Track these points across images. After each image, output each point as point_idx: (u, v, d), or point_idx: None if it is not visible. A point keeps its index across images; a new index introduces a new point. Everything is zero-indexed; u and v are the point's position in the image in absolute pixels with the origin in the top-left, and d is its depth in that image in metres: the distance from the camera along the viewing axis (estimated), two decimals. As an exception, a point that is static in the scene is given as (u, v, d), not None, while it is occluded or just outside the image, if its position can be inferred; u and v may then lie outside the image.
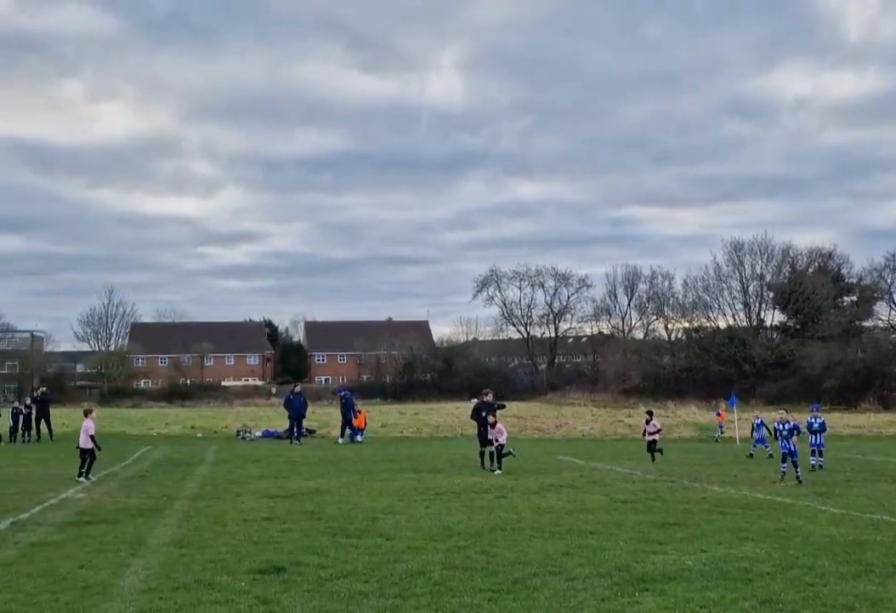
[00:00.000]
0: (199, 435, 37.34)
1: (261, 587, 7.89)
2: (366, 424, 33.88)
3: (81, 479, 17.31)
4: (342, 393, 34.73)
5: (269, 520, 11.98)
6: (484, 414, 19.73)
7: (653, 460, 22.09)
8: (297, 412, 31.34)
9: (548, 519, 12.09)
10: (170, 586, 7.88)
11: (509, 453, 19.44)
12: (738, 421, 32.22)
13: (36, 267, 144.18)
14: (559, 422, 42.97)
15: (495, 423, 19.47)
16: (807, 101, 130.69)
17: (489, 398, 20.19)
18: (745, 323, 73.76)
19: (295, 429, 31.34)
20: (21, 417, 31.61)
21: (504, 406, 20.92)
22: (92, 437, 17.73)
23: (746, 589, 7.75)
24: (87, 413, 18.66)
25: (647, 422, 23.28)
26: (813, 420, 20.57)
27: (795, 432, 18.09)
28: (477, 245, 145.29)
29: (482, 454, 19.52)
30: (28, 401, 32.75)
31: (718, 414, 34.73)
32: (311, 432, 34.62)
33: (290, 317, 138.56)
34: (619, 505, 13.56)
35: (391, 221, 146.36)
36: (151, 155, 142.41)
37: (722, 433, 33.58)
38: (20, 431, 31.52)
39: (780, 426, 18.50)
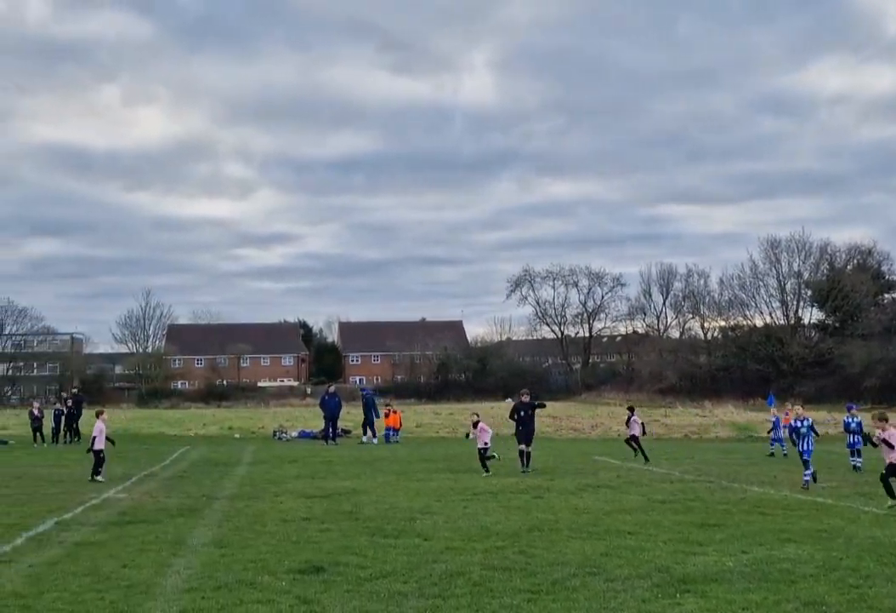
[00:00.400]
0: (237, 436, 37.68)
1: (301, 586, 7.94)
2: (401, 424, 33.97)
3: (99, 478, 17.50)
4: (364, 392, 34.95)
5: (307, 520, 12.05)
6: (522, 414, 19.66)
7: (636, 453, 21.98)
8: (331, 413, 31.53)
9: (585, 520, 12.04)
10: (212, 585, 7.95)
11: (493, 456, 19.07)
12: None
13: (75, 270, 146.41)
14: (594, 422, 42.79)
15: (478, 422, 19.28)
16: (844, 96, 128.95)
17: (526, 398, 20.11)
18: (782, 321, 72.95)
19: (330, 429, 31.51)
20: (63, 418, 32.14)
21: (544, 405, 20.88)
22: (96, 438, 17.93)
23: (789, 591, 7.66)
24: (98, 414, 18.95)
25: (629, 418, 22.98)
26: (850, 420, 20.27)
27: (813, 430, 16.98)
28: (510, 245, 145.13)
29: (521, 454, 19.47)
30: (69, 402, 33.24)
31: (786, 414, 34.15)
32: (345, 432, 34.79)
33: (324, 318, 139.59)
34: (657, 506, 13.47)
35: (424, 222, 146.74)
36: (186, 158, 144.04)
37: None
38: (62, 431, 32.03)
39: (798, 423, 17.04)
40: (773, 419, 25.04)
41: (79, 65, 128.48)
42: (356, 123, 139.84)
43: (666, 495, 14.90)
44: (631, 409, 23.79)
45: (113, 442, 18.44)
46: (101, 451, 17.94)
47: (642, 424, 23.13)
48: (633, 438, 22.64)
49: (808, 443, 16.64)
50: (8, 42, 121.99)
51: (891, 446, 13.18)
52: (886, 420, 13.87)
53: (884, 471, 13.32)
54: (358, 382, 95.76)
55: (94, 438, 18.10)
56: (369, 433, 31.69)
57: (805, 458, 16.56)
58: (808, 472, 16.30)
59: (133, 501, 14.36)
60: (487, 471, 18.58)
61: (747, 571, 8.49)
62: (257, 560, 9.17)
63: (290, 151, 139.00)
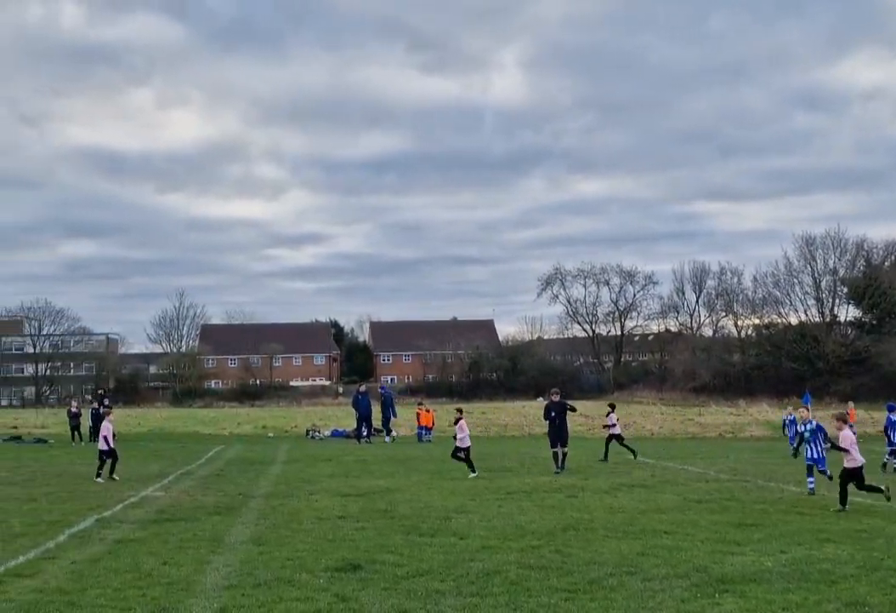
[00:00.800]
0: (270, 435, 37.97)
1: (339, 584, 8.00)
2: (434, 423, 34.04)
3: (99, 480, 17.43)
4: (383, 391, 35.08)
5: (342, 518, 12.12)
6: (553, 414, 19.59)
7: (605, 456, 21.74)
8: (364, 412, 31.68)
9: (621, 519, 12.00)
10: (251, 583, 8.03)
11: (460, 457, 18.50)
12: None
13: (110, 272, 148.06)
14: (627, 421, 42.51)
15: (458, 420, 18.78)
16: (878, 90, 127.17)
17: (556, 397, 20.03)
18: (817, 319, 72.07)
19: (364, 428, 31.65)
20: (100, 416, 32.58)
21: (575, 409, 20.40)
22: (105, 438, 18.00)
23: (830, 592, 7.59)
24: (105, 415, 19.10)
25: (607, 415, 22.73)
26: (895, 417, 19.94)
27: (821, 434, 15.29)
28: (541, 243, 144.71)
29: (555, 456, 19.34)
30: (107, 401, 33.70)
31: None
32: (378, 431, 34.89)
33: (355, 317, 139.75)
34: (693, 505, 13.40)
35: (455, 221, 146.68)
36: (219, 160, 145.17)
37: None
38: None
39: (802, 427, 15.52)
40: (789, 417, 24.68)
41: (112, 68, 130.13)
42: (387, 122, 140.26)
43: (701, 494, 14.81)
44: (612, 406, 23.35)
45: (111, 448, 18.24)
46: (105, 452, 17.87)
47: (613, 424, 22.50)
48: (617, 437, 22.34)
49: (816, 450, 15.26)
50: (44, 47, 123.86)
51: (844, 450, 12.94)
52: (845, 421, 13.54)
53: (842, 475, 13.02)
54: (389, 381, 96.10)
55: (103, 437, 18.10)
56: (393, 432, 31.78)
57: (821, 468, 15.41)
58: (812, 478, 15.06)
59: (171, 499, 14.53)
60: (473, 470, 18.10)
61: (786, 571, 8.42)
62: (294, 557, 9.24)
63: (321, 151, 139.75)
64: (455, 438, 18.77)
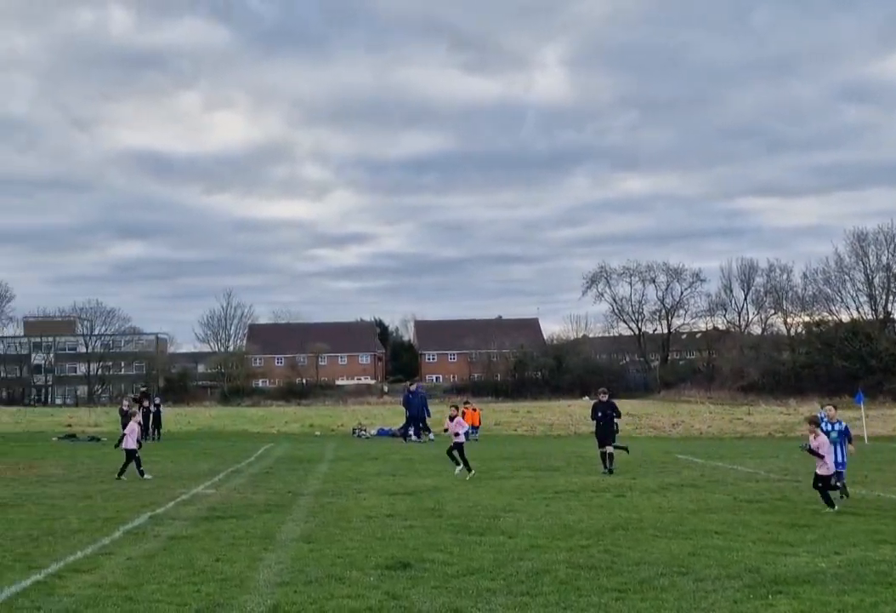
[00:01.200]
0: (317, 433, 38.28)
1: (389, 582, 8.05)
2: (480, 422, 34.02)
3: (123, 477, 17.56)
4: (417, 390, 35.05)
5: (391, 517, 12.19)
6: (601, 414, 19.45)
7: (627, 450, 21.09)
8: (415, 411, 31.76)
9: (670, 519, 11.90)
10: (302, 580, 8.12)
11: (456, 460, 17.95)
12: (867, 419, 30.93)
13: (159, 272, 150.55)
14: (675, 420, 42.19)
15: (454, 416, 18.40)
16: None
17: (604, 396, 19.87)
18: (870, 316, 70.77)
19: (411, 427, 31.74)
20: (150, 416, 33.11)
21: (620, 415, 19.91)
22: (129, 437, 18.11)
23: (887, 593, 7.46)
24: (132, 415, 19.33)
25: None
26: None
27: (845, 437, 14.59)
28: (585, 242, 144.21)
29: (602, 455, 19.18)
30: (158, 400, 34.26)
31: None
32: (427, 430, 34.96)
33: (399, 316, 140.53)
34: (744, 505, 13.25)
35: (498, 220, 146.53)
36: (264, 161, 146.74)
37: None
38: (150, 429, 33.00)
39: (829, 427, 14.50)
40: (822, 414, 24.06)
41: (160, 72, 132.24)
42: (429, 122, 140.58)
43: (752, 494, 14.63)
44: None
45: (125, 446, 18.33)
46: (131, 450, 17.99)
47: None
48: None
49: (840, 453, 14.41)
50: (94, 53, 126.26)
51: (819, 456, 12.69)
52: (817, 424, 13.19)
53: (815, 481, 12.84)
54: (434, 380, 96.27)
55: (127, 436, 18.21)
56: (430, 432, 31.79)
57: (839, 469, 14.16)
58: (840, 483, 14.18)
59: (221, 496, 14.73)
60: (469, 469, 17.71)
61: (841, 572, 8.29)
62: (344, 555, 9.32)
63: (364, 151, 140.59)
64: (450, 433, 18.27)
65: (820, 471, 12.83)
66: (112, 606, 7.22)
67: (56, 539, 10.40)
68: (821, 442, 12.88)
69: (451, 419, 18.59)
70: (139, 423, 18.84)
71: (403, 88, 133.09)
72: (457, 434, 18.26)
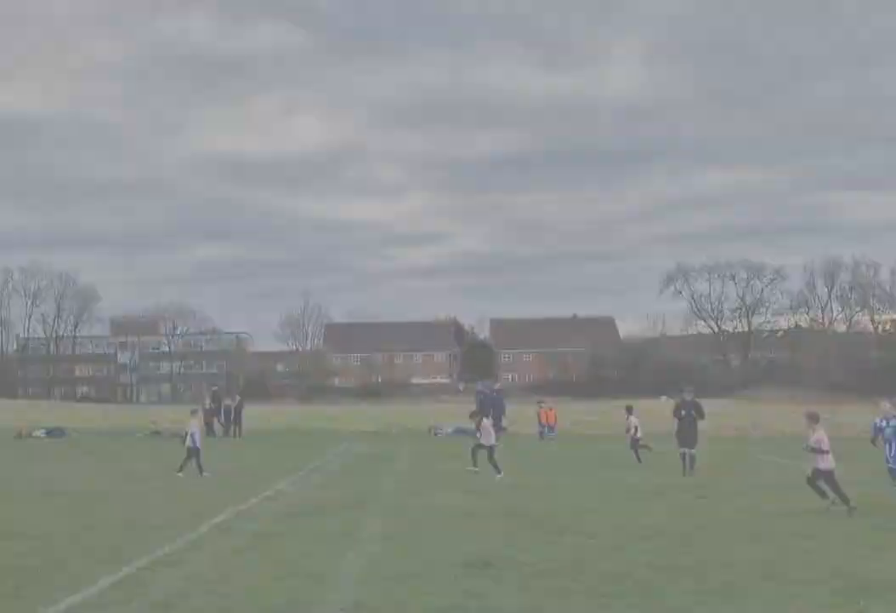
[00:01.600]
0: (394, 432, 38.58)
1: (470, 580, 8.08)
2: (556, 421, 33.86)
3: (180, 475, 17.75)
4: (482, 387, 34.92)
5: (470, 515, 12.24)
6: (684, 413, 19.05)
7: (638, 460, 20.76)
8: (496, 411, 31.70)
9: (753, 521, 11.69)
10: (384, 577, 8.22)
11: (473, 470, 18.02)
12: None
13: (238, 273, 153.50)
14: (755, 421, 41.28)
15: (481, 421, 18.40)
16: None
17: (690, 396, 19.41)
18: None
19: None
20: (232, 413, 33.95)
21: (703, 417, 19.58)
22: (192, 436, 18.23)
23: (985, 602, 7.20)
24: (193, 414, 19.63)
25: (627, 419, 21.69)
26: None
27: None
28: (663, 238, 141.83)
29: (683, 457, 18.81)
30: (238, 398, 35.07)
31: None
32: (503, 429, 34.94)
33: (475, 315, 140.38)
34: (829, 508, 12.88)
35: (575, 218, 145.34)
36: (341, 162, 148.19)
37: None
38: (232, 426, 33.79)
39: (882, 423, 14.25)
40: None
41: (240, 77, 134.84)
42: (505, 120, 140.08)
43: (839, 497, 14.21)
44: (629, 409, 22.24)
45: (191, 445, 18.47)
46: (194, 449, 18.14)
47: (636, 427, 21.53)
48: (635, 440, 21.40)
49: (893, 448, 14.13)
50: (177, 60, 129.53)
51: (822, 451, 12.23)
52: (816, 420, 12.70)
53: (809, 476, 12.45)
54: (510, 379, 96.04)
55: (191, 435, 18.32)
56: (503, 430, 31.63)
57: (891, 466, 14.28)
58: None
59: (303, 493, 14.99)
60: (475, 466, 17.94)
61: (936, 579, 8.02)
62: (424, 553, 9.39)
63: (439, 151, 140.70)
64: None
65: (821, 466, 12.39)
66: (200, 600, 7.42)
67: (145, 533, 10.73)
68: (822, 439, 12.45)
69: (478, 425, 18.65)
70: (208, 422, 19.07)
71: (479, 87, 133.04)
72: (484, 443, 18.21)
